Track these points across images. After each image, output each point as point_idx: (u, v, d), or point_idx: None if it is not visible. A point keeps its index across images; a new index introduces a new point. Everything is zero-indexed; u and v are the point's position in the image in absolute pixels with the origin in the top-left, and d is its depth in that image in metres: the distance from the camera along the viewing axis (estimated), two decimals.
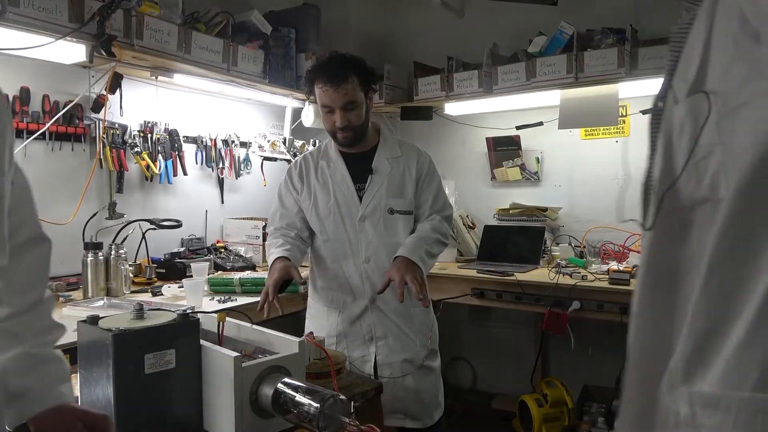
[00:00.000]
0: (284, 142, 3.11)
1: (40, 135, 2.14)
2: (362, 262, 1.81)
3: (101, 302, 1.87)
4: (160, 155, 2.57)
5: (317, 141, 3.26)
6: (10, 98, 2.11)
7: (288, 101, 3.01)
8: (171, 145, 2.62)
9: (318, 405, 0.93)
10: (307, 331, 1.91)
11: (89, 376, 1.06)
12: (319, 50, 2.97)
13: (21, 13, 1.76)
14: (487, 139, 3.26)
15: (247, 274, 2.23)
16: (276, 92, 2.84)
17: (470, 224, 3.19)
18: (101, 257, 2.02)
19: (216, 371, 1.06)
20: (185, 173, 2.69)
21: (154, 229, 2.35)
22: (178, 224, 2.41)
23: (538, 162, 3.16)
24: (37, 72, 2.17)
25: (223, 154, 2.89)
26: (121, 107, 2.38)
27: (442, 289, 2.60)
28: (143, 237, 2.37)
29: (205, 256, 2.58)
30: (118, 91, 2.28)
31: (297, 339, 1.14)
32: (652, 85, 2.51)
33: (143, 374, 1.01)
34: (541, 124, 3.06)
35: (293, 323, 2.11)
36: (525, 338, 3.18)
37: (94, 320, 1.07)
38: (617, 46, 2.54)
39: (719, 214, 0.64)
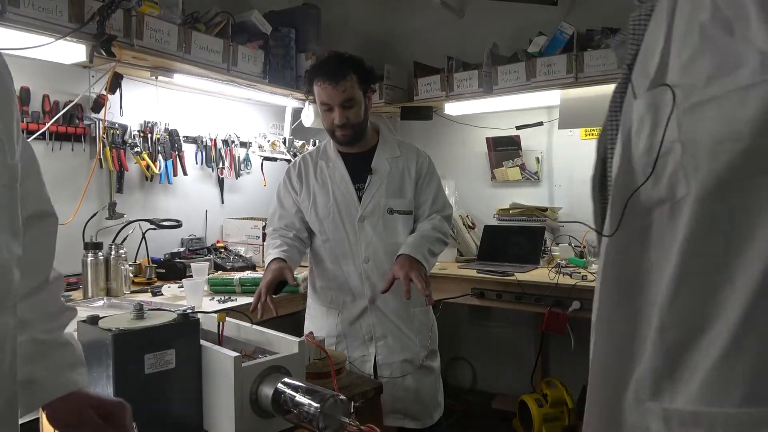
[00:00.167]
0: (284, 142, 3.11)
1: (40, 135, 2.14)
2: (362, 262, 1.81)
3: (101, 302, 1.87)
4: (160, 155, 2.57)
5: (317, 141, 3.26)
6: None
7: (288, 101, 3.01)
8: (171, 145, 2.62)
9: (318, 405, 0.93)
10: (306, 331, 1.91)
11: (89, 376, 1.06)
12: (319, 50, 2.97)
13: (21, 13, 1.76)
14: (487, 139, 3.26)
15: (247, 274, 2.23)
16: (276, 92, 2.84)
17: (470, 224, 3.19)
18: (101, 257, 2.02)
19: (216, 371, 1.06)
20: (185, 173, 2.69)
21: (154, 229, 2.35)
22: (178, 224, 2.41)
23: (538, 162, 3.16)
24: (37, 72, 2.17)
25: (223, 154, 2.89)
26: (121, 107, 2.38)
27: (442, 289, 2.60)
28: (143, 237, 2.37)
29: (205, 256, 2.58)
30: (118, 91, 2.28)
31: (297, 339, 1.14)
32: None
33: (143, 374, 1.01)
34: (541, 124, 3.06)
35: (293, 323, 2.11)
36: (525, 338, 3.18)
37: (94, 320, 1.07)
38: None
39: (682, 216, 0.60)
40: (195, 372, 1.09)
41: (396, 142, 1.92)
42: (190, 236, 2.73)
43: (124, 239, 2.26)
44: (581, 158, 3.01)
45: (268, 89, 2.77)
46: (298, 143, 3.18)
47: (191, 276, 2.15)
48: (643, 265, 0.65)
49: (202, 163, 2.83)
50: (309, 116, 3.01)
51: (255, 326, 1.26)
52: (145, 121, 2.55)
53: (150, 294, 2.09)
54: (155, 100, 2.61)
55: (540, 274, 2.56)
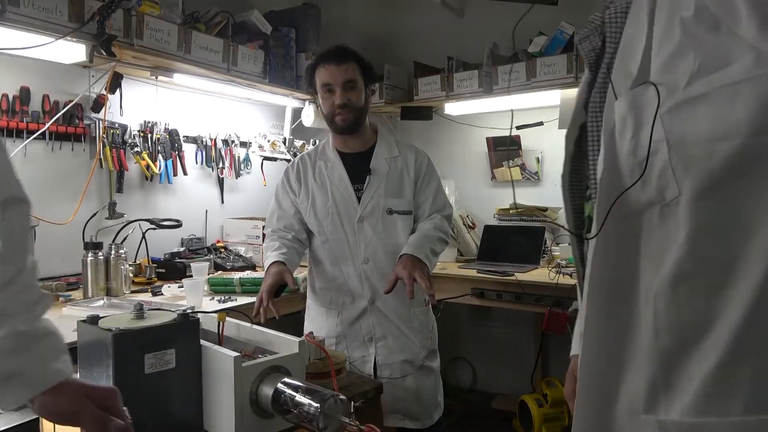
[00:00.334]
0: (284, 142, 3.11)
1: (40, 135, 2.14)
2: (361, 262, 1.81)
3: (101, 302, 1.87)
4: (160, 155, 2.57)
5: (317, 141, 3.26)
6: (10, 98, 2.11)
7: (288, 101, 3.01)
8: (171, 144, 2.62)
9: (318, 405, 0.93)
10: (306, 331, 1.91)
11: (89, 376, 1.06)
12: (319, 50, 2.97)
13: (21, 12, 1.76)
14: (487, 138, 3.26)
15: (247, 274, 2.23)
16: (276, 92, 2.84)
17: (470, 224, 3.19)
18: (101, 257, 2.02)
19: (216, 371, 1.06)
20: (185, 173, 2.69)
21: (154, 228, 2.35)
22: (178, 224, 2.40)
23: (539, 162, 3.16)
24: (37, 72, 2.17)
25: (223, 153, 2.89)
26: (121, 107, 2.38)
27: (443, 289, 2.60)
28: (143, 237, 2.36)
29: (205, 256, 2.58)
30: (118, 90, 2.28)
31: (297, 339, 1.14)
32: None
33: (143, 374, 1.01)
34: (541, 124, 3.06)
35: (293, 323, 2.10)
36: (525, 338, 3.18)
37: (94, 320, 1.07)
38: None
39: (674, 218, 0.58)
40: (195, 372, 1.09)
41: (394, 141, 1.92)
42: (190, 236, 2.73)
43: (124, 239, 2.26)
44: None
45: (268, 89, 2.77)
46: (298, 143, 3.18)
47: (191, 276, 2.15)
48: (633, 271, 0.64)
49: (202, 163, 2.83)
50: (309, 116, 3.01)
51: (255, 326, 1.26)
52: (145, 121, 2.55)
53: (150, 294, 2.09)
54: (155, 100, 2.61)
55: (540, 274, 2.56)
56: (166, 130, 2.62)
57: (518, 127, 3.11)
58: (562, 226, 0.78)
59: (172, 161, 2.62)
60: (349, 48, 1.81)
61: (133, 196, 2.54)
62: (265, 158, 3.06)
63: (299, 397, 0.97)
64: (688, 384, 0.58)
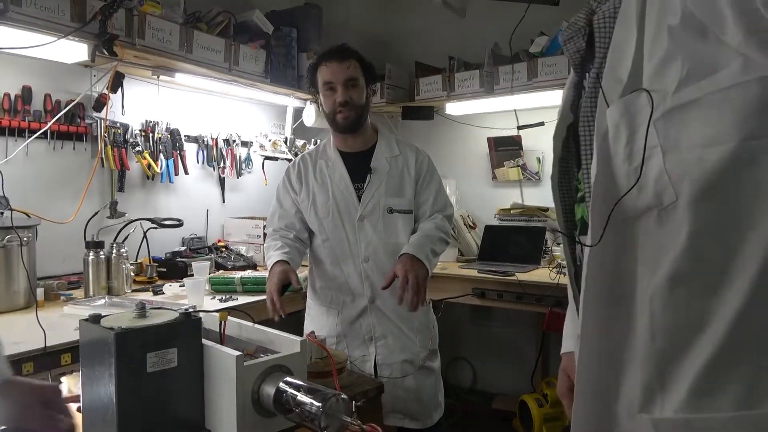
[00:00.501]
0: (286, 142, 3.11)
1: (41, 134, 2.14)
2: (361, 261, 1.81)
3: (102, 301, 1.87)
4: (161, 154, 2.57)
5: (318, 140, 3.26)
6: (12, 97, 2.11)
7: (289, 101, 3.01)
8: (172, 144, 2.62)
9: (320, 404, 0.93)
10: (306, 330, 1.91)
11: (91, 375, 1.06)
12: (320, 50, 2.97)
13: (23, 12, 1.77)
14: (488, 138, 3.26)
15: (248, 273, 2.24)
16: (277, 92, 2.84)
17: (471, 224, 3.19)
18: (102, 256, 2.03)
19: (218, 370, 1.06)
20: (186, 172, 2.69)
21: (156, 228, 2.35)
22: (179, 223, 2.41)
23: (539, 162, 3.16)
24: (39, 71, 2.18)
25: (224, 153, 2.89)
26: (122, 106, 2.38)
27: (443, 289, 2.60)
28: (144, 236, 2.37)
29: (206, 255, 2.58)
30: (119, 90, 2.28)
31: (299, 338, 1.14)
32: None
33: (145, 373, 1.01)
34: (542, 124, 3.06)
35: (293, 322, 2.11)
36: (525, 338, 3.19)
37: (96, 319, 1.07)
38: None
39: (672, 222, 0.59)
40: (197, 371, 1.09)
41: (395, 141, 1.92)
42: (192, 235, 2.73)
43: (125, 238, 2.26)
44: None
45: (269, 89, 2.77)
46: (300, 143, 3.18)
47: (192, 275, 2.15)
48: (630, 275, 0.65)
49: (203, 163, 2.83)
50: (310, 116, 3.01)
51: (257, 325, 1.26)
52: (146, 121, 2.55)
53: (151, 293, 2.09)
54: (157, 100, 2.61)
55: (541, 274, 2.56)
56: (167, 129, 2.62)
57: (519, 127, 3.11)
58: (556, 230, 0.79)
59: (174, 161, 2.62)
60: (350, 47, 1.82)
61: (134, 195, 2.54)
62: (267, 158, 3.06)
63: (301, 397, 0.97)
64: (682, 383, 0.59)
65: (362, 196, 1.81)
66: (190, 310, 1.15)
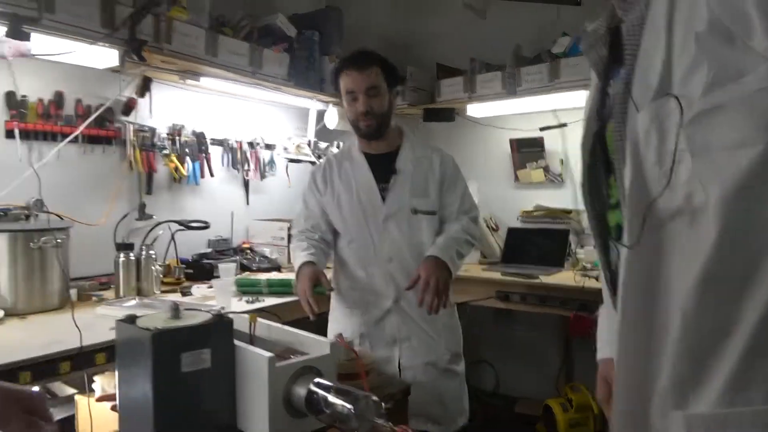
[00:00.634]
0: (309, 144, 3.14)
1: (72, 138, 2.19)
2: (386, 261, 1.82)
3: (133, 302, 1.91)
4: (187, 157, 2.61)
5: (341, 143, 3.28)
6: (45, 102, 2.17)
7: (312, 103, 3.04)
8: (198, 147, 2.67)
9: (351, 406, 0.94)
10: (330, 331, 1.93)
11: (127, 374, 1.09)
12: (342, 53, 2.99)
13: (56, 19, 1.81)
14: (510, 140, 3.25)
15: (274, 275, 2.26)
16: (300, 95, 2.87)
17: (494, 226, 3.18)
18: (133, 258, 2.07)
19: (250, 371, 1.08)
20: (212, 175, 2.73)
21: (183, 230, 2.39)
22: (206, 225, 2.44)
23: (562, 164, 3.14)
24: (71, 77, 2.23)
25: (248, 156, 2.93)
26: (150, 110, 2.43)
27: (466, 291, 2.59)
28: (172, 238, 2.41)
29: (232, 257, 2.61)
30: (147, 94, 2.32)
31: (328, 340, 1.15)
32: None
33: (180, 373, 1.03)
34: (565, 125, 3.03)
35: (316, 323, 2.13)
36: (548, 342, 3.16)
37: (131, 319, 1.09)
38: None
39: (703, 224, 0.61)
40: (229, 371, 1.11)
41: (420, 143, 1.93)
42: (217, 237, 2.77)
43: (154, 240, 2.30)
44: None
45: (292, 92, 2.80)
46: (322, 145, 3.20)
47: (218, 276, 2.18)
48: (665, 276, 0.66)
49: (228, 165, 2.87)
50: (333, 118, 3.03)
51: (285, 327, 1.28)
52: (173, 124, 2.60)
53: (180, 294, 2.13)
54: (183, 103, 2.66)
55: (565, 277, 2.54)
56: (193, 132, 2.66)
57: (542, 129, 3.10)
58: (587, 232, 0.81)
59: (200, 163, 2.67)
60: (371, 52, 1.82)
61: (161, 197, 2.59)
62: (290, 160, 3.09)
63: (332, 398, 0.99)
64: (714, 378, 0.61)
65: (387, 197, 1.82)
66: (221, 310, 1.17)
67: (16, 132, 2.07)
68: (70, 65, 2.12)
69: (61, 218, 1.99)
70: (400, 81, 1.87)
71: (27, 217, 1.91)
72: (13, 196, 1.95)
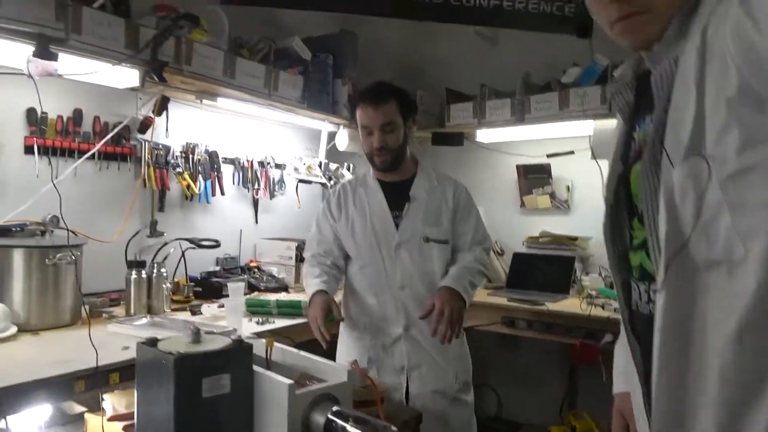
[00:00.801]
0: (320, 166, 3.17)
1: (89, 155, 2.22)
2: (398, 288, 1.83)
3: (144, 320, 1.92)
4: (200, 175, 2.64)
5: (351, 165, 3.32)
6: (65, 119, 2.20)
7: (324, 125, 3.07)
8: (210, 165, 2.70)
9: None
10: (339, 354, 1.94)
11: (147, 396, 1.10)
12: (356, 76, 3.04)
13: (82, 40, 1.85)
14: (517, 166, 3.28)
15: (283, 296, 2.27)
16: (313, 116, 2.91)
17: (499, 251, 3.20)
18: (144, 275, 2.08)
19: (269, 397, 1.09)
20: (223, 193, 2.76)
21: (194, 248, 2.41)
22: (216, 244, 2.46)
23: (569, 190, 3.17)
24: (89, 94, 2.26)
25: (258, 175, 2.96)
26: (167, 129, 2.46)
27: (472, 316, 2.60)
28: (182, 256, 2.42)
29: (240, 275, 2.63)
30: (164, 113, 2.36)
31: (345, 367, 1.17)
32: None
33: (201, 398, 1.04)
34: (572, 153, 3.07)
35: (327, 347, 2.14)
36: (551, 368, 3.15)
37: (153, 342, 1.11)
38: None
39: (743, 275, 0.63)
40: (248, 397, 1.12)
41: (434, 172, 1.96)
42: (225, 255, 2.78)
43: (165, 257, 2.31)
44: None
45: (306, 113, 2.84)
46: (332, 166, 3.23)
47: (227, 295, 2.19)
48: (702, 324, 0.68)
49: (238, 184, 2.90)
50: (343, 140, 3.07)
51: (301, 352, 1.29)
52: (187, 143, 2.63)
53: (189, 312, 2.13)
54: (197, 122, 2.69)
55: (570, 305, 2.56)
56: (206, 151, 2.69)
57: (549, 156, 3.14)
58: (606, 268, 0.84)
59: (211, 182, 2.70)
60: (387, 85, 1.85)
61: (173, 215, 2.61)
62: (301, 181, 3.11)
63: (351, 427, 1.00)
64: (752, 429, 0.62)
65: (400, 224, 1.84)
66: (240, 336, 1.19)
67: (35, 148, 2.10)
68: (89, 83, 2.16)
69: (76, 234, 2.01)
70: (416, 110, 1.89)
71: (42, 233, 1.93)
72: (29, 212, 1.98)
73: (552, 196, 3.20)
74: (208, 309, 2.11)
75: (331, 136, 3.18)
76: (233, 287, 2.19)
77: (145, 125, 2.38)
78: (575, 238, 3.01)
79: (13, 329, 1.69)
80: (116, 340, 1.67)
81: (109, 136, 2.25)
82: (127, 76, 2.05)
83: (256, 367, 1.14)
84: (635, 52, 0.85)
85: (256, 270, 2.75)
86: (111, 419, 1.56)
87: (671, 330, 0.71)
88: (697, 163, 0.66)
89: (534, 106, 2.90)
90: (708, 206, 0.64)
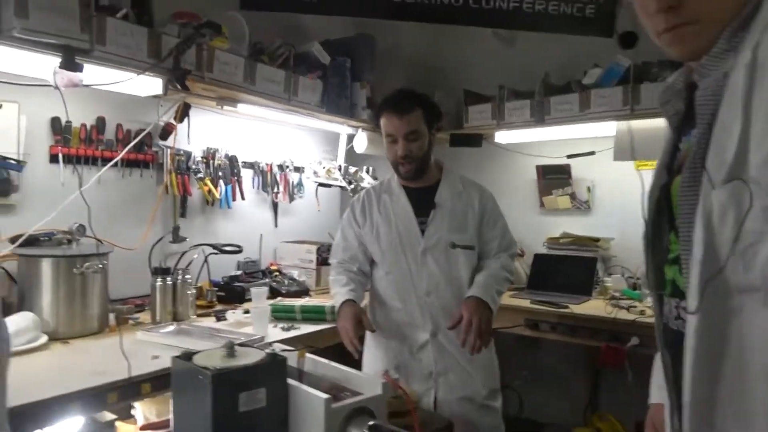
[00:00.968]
0: (339, 169, 3.17)
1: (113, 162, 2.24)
2: (424, 294, 1.83)
3: (171, 327, 1.93)
4: (220, 180, 2.65)
5: (371, 168, 3.31)
6: (88, 127, 2.22)
7: (342, 128, 3.07)
8: (231, 170, 2.71)
9: None
10: (366, 361, 1.94)
11: (183, 407, 1.11)
12: (373, 79, 3.03)
13: (106, 50, 1.86)
14: (537, 166, 3.26)
15: (306, 301, 2.28)
16: (333, 120, 2.91)
17: (519, 252, 3.17)
18: (169, 282, 2.09)
19: (305, 411, 1.09)
20: (243, 198, 2.77)
21: (216, 253, 2.42)
22: (239, 249, 2.47)
23: (589, 191, 3.14)
24: (112, 102, 2.28)
25: (278, 179, 2.97)
26: (188, 135, 2.47)
27: (494, 319, 2.58)
28: (205, 261, 2.44)
29: (261, 279, 2.63)
30: (186, 119, 2.37)
31: (379, 379, 1.17)
32: None
33: (238, 412, 1.05)
34: (592, 153, 3.04)
35: (349, 354, 2.13)
36: (574, 369, 3.13)
37: (188, 357, 1.12)
38: None
39: None
40: (283, 410, 1.12)
41: (459, 178, 1.95)
42: (246, 259, 2.79)
43: (189, 263, 2.32)
44: (633, 189, 2.96)
45: (325, 118, 2.84)
46: (352, 169, 3.23)
47: (250, 299, 2.20)
48: (737, 349, 0.68)
49: (258, 188, 2.91)
50: (362, 143, 3.06)
51: (332, 363, 1.29)
52: (207, 148, 2.64)
53: (214, 318, 2.15)
54: (217, 127, 2.70)
55: (594, 306, 2.53)
56: (226, 156, 2.71)
57: (569, 156, 3.11)
58: (637, 277, 0.84)
59: (232, 186, 2.71)
60: (412, 93, 1.84)
61: (195, 220, 2.63)
62: (320, 184, 3.12)
63: None
64: None
65: (425, 230, 1.84)
66: (273, 349, 1.19)
67: (60, 157, 2.12)
68: (112, 92, 2.17)
69: (101, 242, 2.02)
70: (441, 116, 1.88)
71: (69, 241, 1.95)
72: (55, 221, 1.99)
73: (572, 196, 3.17)
74: (233, 315, 2.12)
75: (350, 139, 3.18)
76: (256, 292, 2.20)
77: (167, 132, 2.39)
78: (598, 239, 2.98)
79: (44, 338, 1.71)
80: (146, 348, 1.69)
81: (132, 144, 2.26)
82: (151, 85, 2.06)
83: (290, 381, 1.14)
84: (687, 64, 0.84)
85: (277, 273, 2.76)
86: (143, 428, 1.58)
87: (704, 351, 0.70)
88: (739, 188, 0.64)
89: (554, 107, 2.86)
90: (747, 232, 0.63)
